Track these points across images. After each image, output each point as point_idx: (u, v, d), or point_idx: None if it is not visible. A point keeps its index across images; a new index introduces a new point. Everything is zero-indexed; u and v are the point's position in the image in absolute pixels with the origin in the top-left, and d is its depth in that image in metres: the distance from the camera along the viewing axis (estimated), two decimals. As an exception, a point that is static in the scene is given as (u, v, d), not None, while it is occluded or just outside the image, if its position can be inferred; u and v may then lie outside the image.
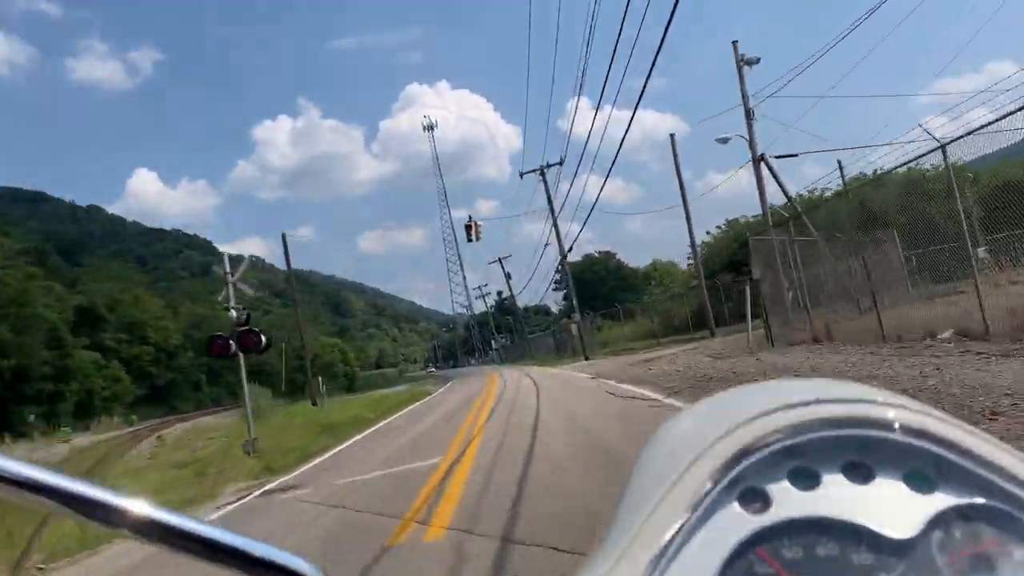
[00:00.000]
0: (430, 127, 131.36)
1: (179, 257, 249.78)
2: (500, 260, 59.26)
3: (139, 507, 0.40)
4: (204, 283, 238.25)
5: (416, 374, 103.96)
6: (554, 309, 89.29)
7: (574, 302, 34.82)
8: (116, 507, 0.40)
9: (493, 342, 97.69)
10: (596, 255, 79.95)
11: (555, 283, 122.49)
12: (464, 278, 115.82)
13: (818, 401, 0.42)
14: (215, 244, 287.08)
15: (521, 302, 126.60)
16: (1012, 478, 0.40)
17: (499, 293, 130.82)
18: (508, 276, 57.75)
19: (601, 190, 41.12)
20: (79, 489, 0.40)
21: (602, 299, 71.42)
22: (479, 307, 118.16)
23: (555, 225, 37.05)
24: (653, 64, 14.20)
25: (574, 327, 38.60)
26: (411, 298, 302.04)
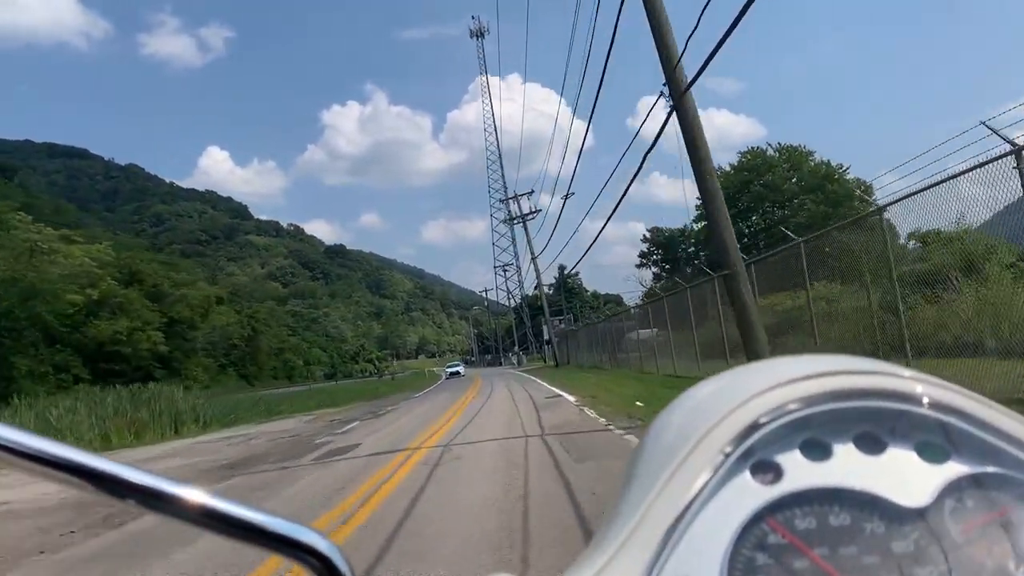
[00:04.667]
0: (479, 33, 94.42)
1: (202, 218, 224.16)
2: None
3: (146, 479, 0.40)
4: (222, 246, 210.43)
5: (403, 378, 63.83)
6: (628, 299, 50.99)
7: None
8: (123, 479, 0.39)
9: (545, 329, 59.66)
10: (770, 149, 41.21)
11: (641, 256, 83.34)
12: (509, 197, 64.17)
13: (830, 373, 0.41)
14: (251, 210, 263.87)
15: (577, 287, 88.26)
16: None
17: (561, 269, 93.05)
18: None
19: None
20: (81, 460, 0.39)
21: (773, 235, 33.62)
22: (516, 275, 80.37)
23: None
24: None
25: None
26: (470, 287, 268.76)
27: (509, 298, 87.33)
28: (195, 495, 0.41)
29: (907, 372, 0.42)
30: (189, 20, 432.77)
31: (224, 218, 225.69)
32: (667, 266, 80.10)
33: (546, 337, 61.06)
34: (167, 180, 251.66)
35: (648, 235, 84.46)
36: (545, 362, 65.91)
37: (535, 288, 54.02)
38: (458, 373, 56.11)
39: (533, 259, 50.94)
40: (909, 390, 0.41)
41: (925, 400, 0.40)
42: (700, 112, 11.54)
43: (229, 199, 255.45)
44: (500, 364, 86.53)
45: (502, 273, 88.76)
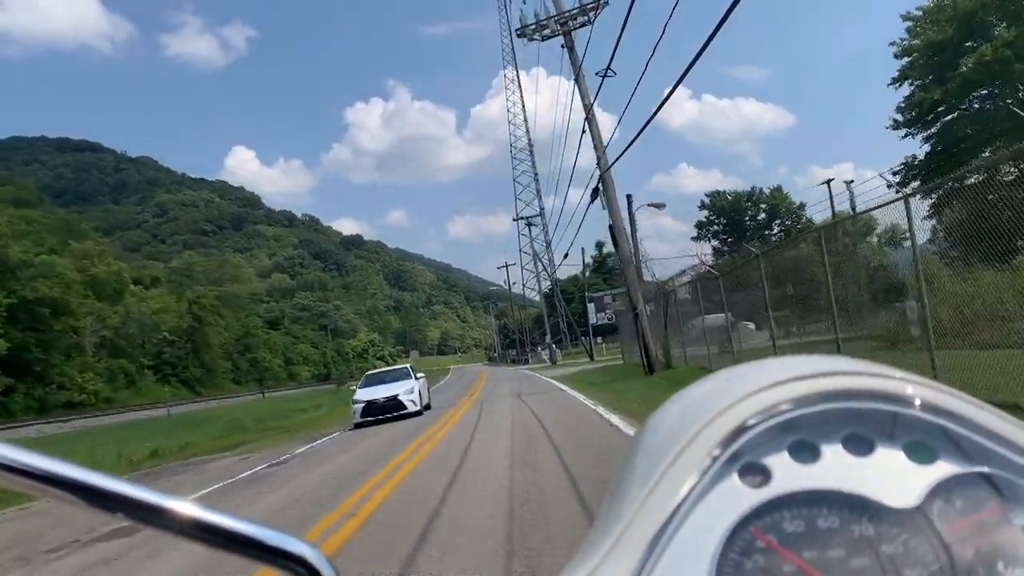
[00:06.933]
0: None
1: (207, 207, 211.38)
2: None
3: (134, 492, 0.39)
4: (229, 236, 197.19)
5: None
6: (677, 286, 31.20)
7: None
8: (110, 492, 0.39)
9: (591, 308, 42.26)
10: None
11: (698, 227, 67.30)
12: (528, 24, 26.80)
13: (819, 375, 0.41)
14: (264, 201, 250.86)
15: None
16: (1013, 446, 0.39)
17: (598, 247, 75.33)
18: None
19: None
20: (72, 474, 0.38)
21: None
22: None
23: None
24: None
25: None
26: (499, 282, 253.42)
27: (536, 263, 68.90)
28: (184, 507, 0.40)
29: (897, 373, 0.42)
30: (211, 20, 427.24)
31: (232, 207, 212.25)
32: (729, 238, 62.98)
33: (603, 316, 42.29)
34: (178, 171, 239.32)
35: (706, 200, 67.24)
36: (592, 358, 43.00)
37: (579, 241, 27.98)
38: (400, 406, 16.44)
39: (589, 110, 20.55)
40: (898, 391, 0.40)
41: (915, 401, 0.40)
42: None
43: (240, 188, 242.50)
44: (527, 362, 67.35)
45: (526, 231, 69.66)
